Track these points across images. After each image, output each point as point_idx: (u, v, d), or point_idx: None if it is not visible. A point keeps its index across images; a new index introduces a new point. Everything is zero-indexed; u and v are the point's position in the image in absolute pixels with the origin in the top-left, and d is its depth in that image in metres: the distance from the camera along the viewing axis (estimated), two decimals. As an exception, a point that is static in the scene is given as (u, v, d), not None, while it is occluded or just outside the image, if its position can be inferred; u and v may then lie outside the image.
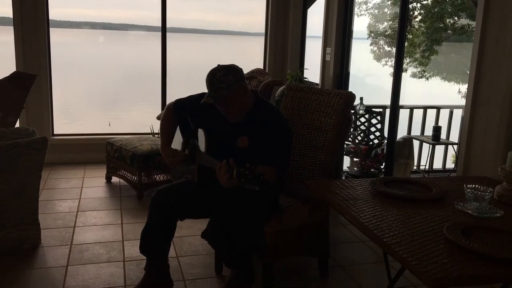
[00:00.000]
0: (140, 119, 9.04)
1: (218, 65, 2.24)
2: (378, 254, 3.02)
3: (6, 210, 2.79)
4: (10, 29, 4.59)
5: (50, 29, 4.78)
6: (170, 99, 2.63)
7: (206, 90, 2.27)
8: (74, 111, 10.26)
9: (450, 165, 5.32)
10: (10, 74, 3.70)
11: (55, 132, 4.96)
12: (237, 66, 2.25)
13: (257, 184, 1.94)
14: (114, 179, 4.34)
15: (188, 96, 2.52)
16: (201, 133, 2.39)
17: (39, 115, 4.74)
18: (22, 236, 2.89)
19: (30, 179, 2.85)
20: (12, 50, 4.59)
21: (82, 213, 3.57)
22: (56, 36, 5.00)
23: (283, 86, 4.05)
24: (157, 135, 3.99)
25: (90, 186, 4.20)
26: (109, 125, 7.91)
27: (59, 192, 4.01)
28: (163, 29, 5.01)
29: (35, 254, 2.90)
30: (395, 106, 3.59)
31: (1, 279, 2.59)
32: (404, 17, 3.52)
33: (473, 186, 1.82)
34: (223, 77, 2.16)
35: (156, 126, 2.55)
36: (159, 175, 4.05)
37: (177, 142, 2.52)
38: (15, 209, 2.83)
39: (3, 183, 2.72)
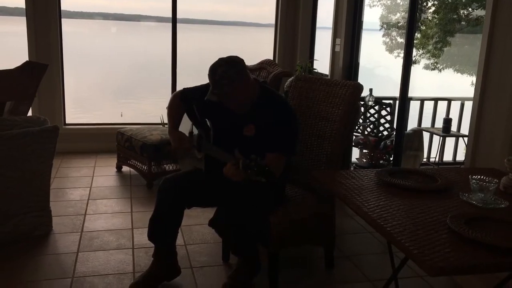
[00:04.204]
0: (151, 109, 9.09)
1: (219, 59, 2.19)
2: (384, 244, 3.03)
3: (18, 197, 2.85)
4: (23, 20, 4.64)
5: (62, 19, 4.83)
6: (180, 90, 2.65)
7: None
8: (86, 100, 10.35)
9: (460, 157, 5.28)
10: (22, 64, 3.74)
11: (66, 122, 5.02)
12: (237, 57, 2.21)
13: (263, 175, 1.96)
14: (125, 168, 4.39)
15: (195, 87, 2.54)
16: (208, 123, 2.41)
17: (51, 104, 4.80)
18: (34, 223, 2.95)
19: (41, 167, 2.90)
20: (24, 40, 4.64)
21: (93, 201, 3.63)
22: (68, 27, 5.04)
23: (292, 77, 4.05)
24: (167, 125, 4.02)
25: (101, 175, 4.26)
26: (121, 115, 7.92)
27: (70, 181, 4.07)
28: (174, 20, 5.02)
29: (46, 240, 2.96)
30: (404, 97, 3.57)
31: (13, 264, 2.66)
32: (414, 7, 3.49)
33: (479, 177, 1.82)
34: (225, 73, 2.13)
35: (166, 116, 2.60)
36: (169, 165, 4.10)
37: (187, 128, 2.54)
38: (27, 197, 2.89)
39: (15, 171, 2.77)
